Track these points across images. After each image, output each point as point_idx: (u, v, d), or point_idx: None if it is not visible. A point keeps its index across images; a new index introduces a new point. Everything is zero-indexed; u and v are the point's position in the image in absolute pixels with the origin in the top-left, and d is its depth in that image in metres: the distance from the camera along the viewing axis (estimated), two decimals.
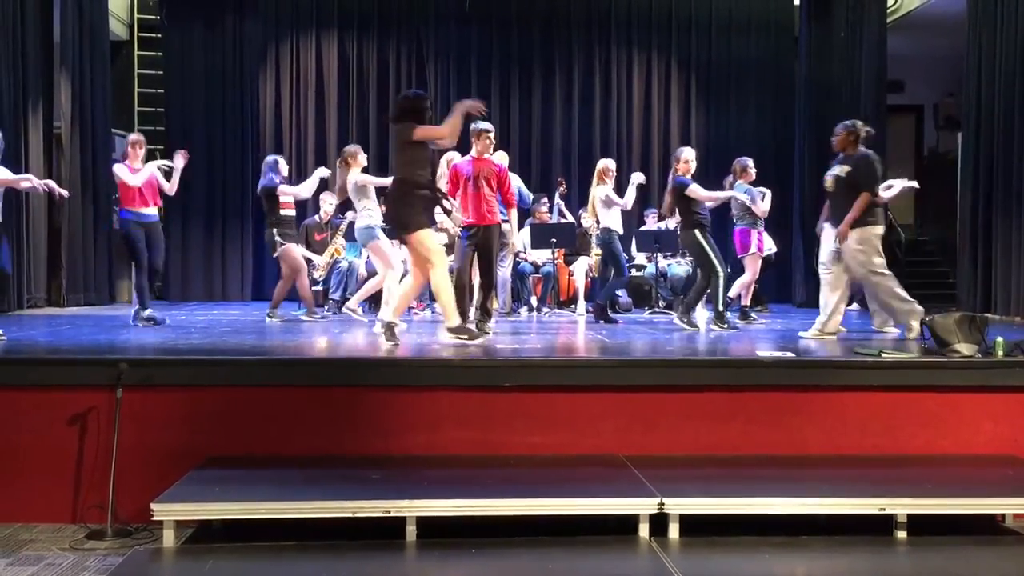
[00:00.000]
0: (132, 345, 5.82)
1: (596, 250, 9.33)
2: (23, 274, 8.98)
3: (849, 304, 7.68)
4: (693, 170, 7.44)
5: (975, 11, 9.41)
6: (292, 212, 8.05)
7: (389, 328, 5.65)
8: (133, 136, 7.54)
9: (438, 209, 6.26)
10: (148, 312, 7.24)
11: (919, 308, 6.29)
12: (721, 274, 7.23)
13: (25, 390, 4.45)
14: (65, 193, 6.72)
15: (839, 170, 6.45)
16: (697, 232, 7.30)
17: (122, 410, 4.27)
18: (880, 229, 6.36)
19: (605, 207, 8.18)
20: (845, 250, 6.36)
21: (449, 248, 7.64)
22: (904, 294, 6.36)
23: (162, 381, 4.51)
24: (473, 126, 6.87)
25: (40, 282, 9.50)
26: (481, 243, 6.75)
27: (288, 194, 7.98)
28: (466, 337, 5.60)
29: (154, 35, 11.88)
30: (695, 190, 7.31)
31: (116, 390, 4.28)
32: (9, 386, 4.46)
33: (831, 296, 6.53)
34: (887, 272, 6.36)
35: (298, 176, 11.64)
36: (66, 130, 9.81)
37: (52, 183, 6.45)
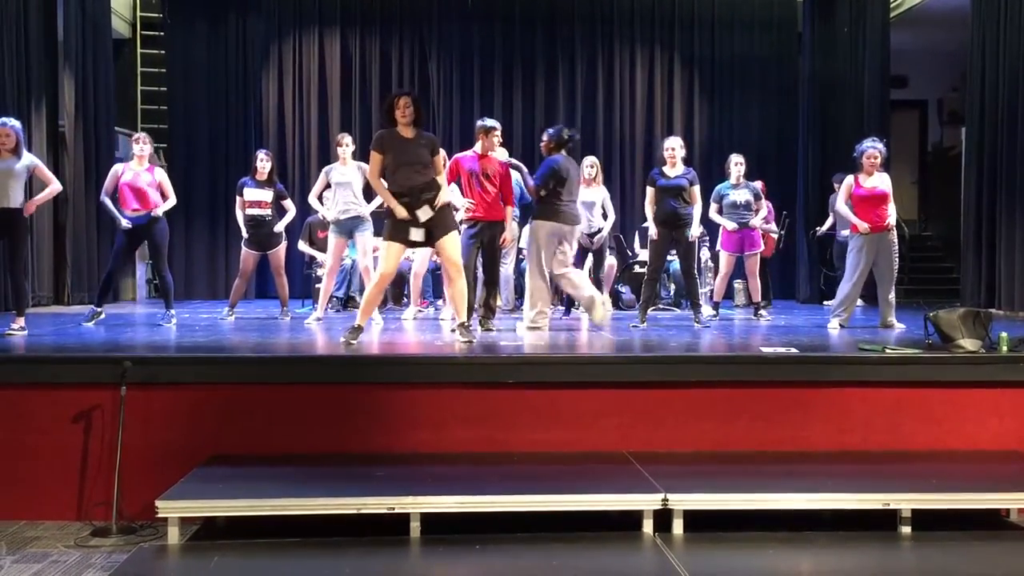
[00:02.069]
0: (136, 343, 5.84)
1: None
2: (28, 272, 8.97)
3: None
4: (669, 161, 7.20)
5: (979, 5, 9.37)
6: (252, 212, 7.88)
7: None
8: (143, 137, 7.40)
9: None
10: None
11: (598, 296, 6.69)
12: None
13: (30, 388, 4.47)
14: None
15: None
16: None
17: (126, 408, 4.28)
18: (547, 225, 6.45)
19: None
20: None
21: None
22: (589, 289, 6.60)
23: (166, 379, 4.52)
24: (480, 123, 6.82)
25: (45, 280, 9.50)
26: (486, 240, 6.74)
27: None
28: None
29: (157, 33, 11.85)
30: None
31: (120, 388, 4.29)
32: (14, 384, 4.48)
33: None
34: (544, 267, 6.47)
35: (299, 175, 11.71)
36: (70, 128, 9.81)
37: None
